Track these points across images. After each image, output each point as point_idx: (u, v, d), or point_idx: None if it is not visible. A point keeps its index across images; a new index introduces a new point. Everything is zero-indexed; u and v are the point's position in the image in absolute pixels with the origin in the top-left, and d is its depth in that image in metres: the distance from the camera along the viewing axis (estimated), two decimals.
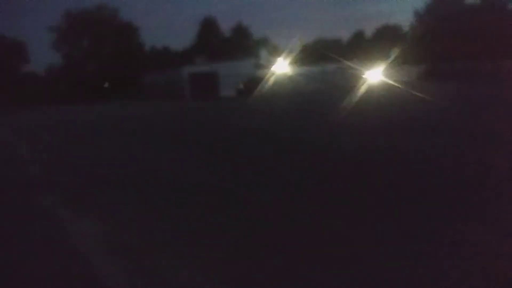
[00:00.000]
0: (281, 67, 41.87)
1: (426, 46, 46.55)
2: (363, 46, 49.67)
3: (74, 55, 57.88)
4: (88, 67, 56.15)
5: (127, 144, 11.03)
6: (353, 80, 38.74)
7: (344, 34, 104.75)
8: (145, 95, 46.55)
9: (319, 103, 21.34)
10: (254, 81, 37.61)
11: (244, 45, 53.28)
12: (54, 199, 5.46)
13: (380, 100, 19.57)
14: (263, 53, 47.97)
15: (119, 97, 45.25)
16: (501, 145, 6.96)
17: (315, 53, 49.24)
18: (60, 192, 5.95)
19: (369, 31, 62.49)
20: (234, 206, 4.60)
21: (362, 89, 28.49)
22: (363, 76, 40.53)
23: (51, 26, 57.39)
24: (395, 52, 42.78)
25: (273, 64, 42.24)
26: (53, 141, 13.29)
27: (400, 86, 30.42)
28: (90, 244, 3.72)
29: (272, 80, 38.58)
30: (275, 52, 47.95)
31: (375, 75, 41.86)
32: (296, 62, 43.26)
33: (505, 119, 10.06)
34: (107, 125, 17.96)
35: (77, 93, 48.50)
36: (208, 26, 58.89)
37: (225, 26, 70.15)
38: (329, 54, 47.83)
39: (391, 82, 36.52)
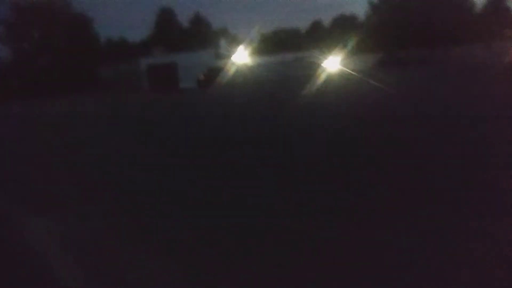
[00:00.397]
0: (241, 57, 41.86)
1: (381, 35, 47.96)
2: (321, 36, 50.44)
3: (24, 49, 55.02)
4: (39, 61, 53.58)
5: (74, 141, 10.77)
6: (312, 69, 39.41)
7: (302, 24, 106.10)
8: (101, 88, 45.14)
9: (278, 92, 21.47)
10: (214, 72, 37.37)
11: (203, 35, 52.62)
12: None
13: (337, 88, 20.14)
14: (223, 43, 47.65)
15: (74, 91, 43.57)
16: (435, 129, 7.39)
17: (274, 43, 49.63)
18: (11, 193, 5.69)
19: (326, 20, 63.57)
20: (189, 201, 4.44)
21: (320, 78, 29.11)
22: (321, 65, 41.30)
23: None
24: (351, 41, 43.90)
25: (233, 54, 42.14)
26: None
27: (356, 74, 31.31)
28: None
29: (232, 70, 38.52)
30: (235, 42, 47.82)
31: (332, 64, 42.78)
32: (255, 52, 43.40)
33: (443, 104, 10.64)
34: (60, 121, 17.38)
35: (29, 88, 46.22)
36: (166, 17, 57.66)
37: (183, 16, 69.13)
38: (288, 44, 48.46)
39: (348, 70, 37.50)
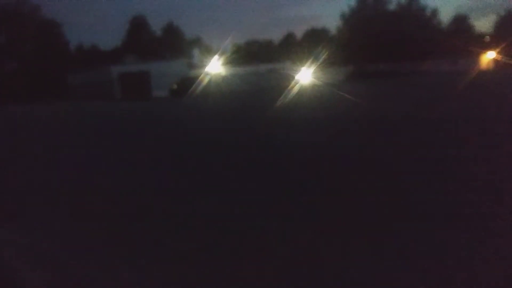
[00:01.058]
0: (214, 67, 42.02)
1: (351, 48, 49.39)
2: (293, 48, 51.33)
3: None
4: (6, 66, 51.88)
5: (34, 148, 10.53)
6: (284, 80, 40.03)
7: (275, 35, 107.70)
8: (71, 96, 44.12)
9: (250, 103, 21.80)
10: (188, 81, 37.32)
11: (176, 44, 52.54)
12: None
13: (308, 100, 20.70)
14: (196, 53, 47.75)
15: (42, 98, 42.35)
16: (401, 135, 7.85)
17: (247, 54, 50.09)
18: None
19: (299, 33, 64.91)
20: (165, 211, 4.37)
21: (292, 89, 29.64)
22: (293, 77, 42.03)
23: None
24: (323, 54, 44.93)
25: (206, 64, 42.25)
26: None
27: (327, 86, 32.11)
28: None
29: (205, 80, 38.58)
30: (208, 52, 47.97)
31: (305, 76, 43.62)
32: (229, 62, 43.66)
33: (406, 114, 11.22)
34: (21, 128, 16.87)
35: None
36: (138, 25, 57.27)
37: (156, 25, 68.82)
38: (261, 55, 49.15)
39: (319, 82, 38.35)
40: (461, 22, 59.26)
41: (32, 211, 4.68)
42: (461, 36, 53.52)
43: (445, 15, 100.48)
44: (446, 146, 6.62)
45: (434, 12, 58.15)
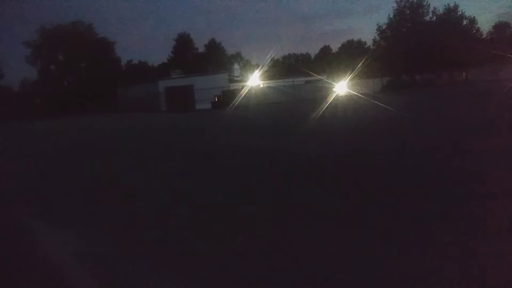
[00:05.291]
0: (254, 81, 44.11)
1: (388, 60, 49.86)
2: (330, 60, 52.60)
3: (49, 70, 58.29)
4: (63, 82, 56.69)
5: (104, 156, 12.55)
6: (321, 92, 41.39)
7: (312, 49, 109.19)
8: (121, 109, 47.61)
9: (288, 114, 22.90)
10: (228, 94, 39.48)
11: (217, 59, 55.31)
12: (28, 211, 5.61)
13: (344, 109, 21.68)
14: (236, 67, 50.07)
15: (95, 111, 46.14)
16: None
17: (285, 67, 51.94)
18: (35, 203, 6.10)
19: (335, 46, 66.13)
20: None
21: (329, 100, 30.86)
22: (330, 88, 43.25)
23: (26, 41, 57.72)
24: (360, 66, 45.85)
25: (246, 78, 44.44)
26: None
27: (363, 97, 33.05)
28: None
29: (245, 92, 40.67)
30: (248, 66, 50.33)
31: (341, 88, 44.69)
32: (267, 75, 45.63)
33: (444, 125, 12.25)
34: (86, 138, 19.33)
35: (53, 107, 49.05)
36: (183, 42, 60.84)
37: (200, 42, 72.51)
38: (298, 68, 50.73)
39: (356, 94, 39.28)
40: (501, 30, 58.12)
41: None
42: (502, 44, 52.55)
43: (485, 24, 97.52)
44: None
45: (473, 20, 57.34)
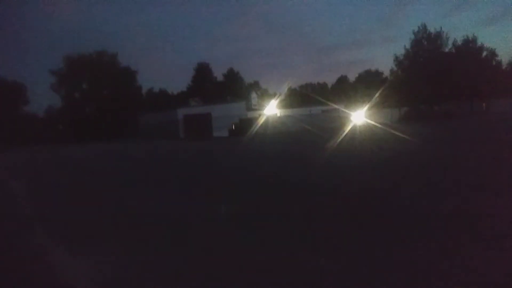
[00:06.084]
0: (271, 109, 44.59)
1: (405, 89, 49.78)
2: (346, 90, 52.87)
3: (73, 97, 60.24)
4: (86, 108, 58.45)
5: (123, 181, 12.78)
6: (338, 121, 41.41)
7: (329, 78, 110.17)
8: (142, 135, 48.58)
9: (305, 143, 22.86)
10: (245, 122, 39.94)
11: (235, 88, 56.35)
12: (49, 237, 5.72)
13: (362, 140, 21.07)
14: (254, 96, 50.91)
15: (116, 137, 47.18)
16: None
17: (302, 96, 52.43)
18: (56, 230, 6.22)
19: (352, 76, 66.65)
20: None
21: (346, 130, 30.78)
22: (347, 118, 43.24)
23: (52, 70, 60.01)
24: (377, 95, 45.91)
25: (263, 106, 44.98)
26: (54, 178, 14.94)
27: (380, 126, 32.86)
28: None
29: (262, 121, 41.07)
30: (265, 95, 51.08)
31: (358, 117, 44.63)
32: (284, 104, 46.10)
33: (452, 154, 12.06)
34: (106, 163, 19.72)
35: (75, 133, 50.45)
36: (202, 71, 62.44)
37: (219, 71, 74.29)
38: (315, 98, 51.18)
39: (373, 123, 39.12)
40: None
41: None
42: None
43: (505, 55, 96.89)
44: None
45: (493, 52, 57.14)
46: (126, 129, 50.76)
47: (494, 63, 58.04)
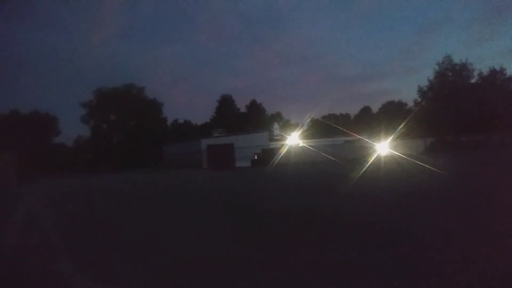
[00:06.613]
0: (293, 140, 44.69)
1: (431, 120, 49.12)
2: (369, 121, 52.57)
3: (101, 128, 62.38)
4: (114, 139, 60.30)
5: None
6: (361, 152, 40.97)
7: (352, 109, 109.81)
8: (166, 164, 49.37)
9: (328, 174, 22.37)
10: (268, 152, 40.07)
11: (258, 119, 57.09)
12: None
13: (387, 171, 20.16)
14: (276, 126, 51.29)
15: (141, 166, 48.15)
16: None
17: (325, 127, 52.42)
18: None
19: (375, 106, 66.41)
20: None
21: (369, 160, 30.40)
22: (371, 148, 42.77)
23: (83, 102, 62.75)
24: (401, 126, 45.42)
25: (286, 137, 45.17)
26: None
27: (405, 157, 32.29)
28: None
29: (284, 151, 41.13)
30: (287, 126, 51.40)
31: (382, 148, 44.09)
32: (307, 135, 46.13)
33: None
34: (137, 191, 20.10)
35: (103, 162, 51.86)
36: (226, 102, 63.81)
37: (241, 102, 75.69)
38: (338, 128, 51.16)
39: (397, 154, 38.53)
40: None
41: None
42: None
43: None
44: None
45: None
46: (151, 159, 51.79)
47: None
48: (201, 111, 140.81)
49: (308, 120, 50.79)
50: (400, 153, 38.62)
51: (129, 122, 61.70)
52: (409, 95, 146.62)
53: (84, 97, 74.51)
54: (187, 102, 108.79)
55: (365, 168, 21.24)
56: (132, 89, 64.58)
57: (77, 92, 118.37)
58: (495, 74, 56.72)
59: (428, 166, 19.22)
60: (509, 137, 48.56)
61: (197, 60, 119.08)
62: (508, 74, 56.37)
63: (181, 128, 61.98)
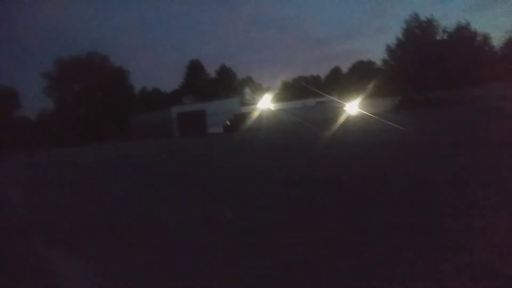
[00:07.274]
0: (265, 104, 44.46)
1: (398, 79, 49.76)
2: (340, 81, 52.78)
3: (65, 100, 59.85)
4: (79, 111, 58.08)
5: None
6: (332, 113, 41.30)
7: (322, 71, 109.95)
8: (136, 135, 48.34)
9: (299, 136, 22.61)
10: (240, 118, 39.82)
11: (229, 84, 56.16)
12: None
13: (356, 131, 20.87)
14: (247, 91, 50.74)
15: (110, 137, 46.89)
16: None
17: (295, 90, 52.26)
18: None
19: (345, 67, 66.55)
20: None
21: (340, 121, 30.75)
22: (341, 109, 43.15)
23: (44, 73, 59.61)
24: (370, 86, 45.86)
25: (257, 101, 44.84)
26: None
27: (374, 116, 32.81)
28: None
29: (256, 115, 40.95)
30: (259, 90, 50.90)
31: (352, 108, 44.57)
32: (278, 98, 45.94)
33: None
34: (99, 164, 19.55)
35: (69, 135, 50.11)
36: (195, 69, 62.16)
37: (211, 68, 73.97)
38: (309, 90, 51.18)
39: (366, 113, 39.11)
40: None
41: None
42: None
43: (497, 40, 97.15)
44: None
45: (485, 37, 57.13)
46: (120, 130, 50.46)
47: (487, 48, 58.09)
48: (170, 79, 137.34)
49: (279, 84, 50.53)
50: (369, 112, 39.19)
51: (94, 93, 59.35)
52: (379, 55, 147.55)
53: (45, 68, 70.96)
54: (154, 69, 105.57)
55: (333, 129, 21.49)
56: (96, 58, 61.70)
57: (37, 63, 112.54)
58: (461, 30, 57.43)
59: (390, 123, 19.61)
60: (472, 92, 50.04)
61: (164, 26, 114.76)
62: (473, 29, 57.15)
63: (150, 97, 60.27)
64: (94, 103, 56.81)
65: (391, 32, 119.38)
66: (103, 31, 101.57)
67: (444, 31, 57.26)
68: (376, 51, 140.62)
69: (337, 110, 42.78)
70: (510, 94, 44.35)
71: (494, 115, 21.73)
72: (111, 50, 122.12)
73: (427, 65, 52.56)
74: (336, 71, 62.80)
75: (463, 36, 57.81)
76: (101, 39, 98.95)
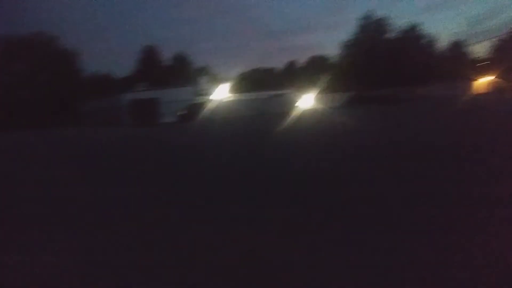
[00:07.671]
0: (220, 94, 44.03)
1: (352, 74, 51.25)
2: (296, 75, 53.36)
3: (6, 81, 55.82)
4: (22, 94, 54.41)
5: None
6: (285, 106, 41.76)
7: (279, 63, 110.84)
8: (82, 122, 46.16)
9: (253, 128, 22.69)
10: (194, 107, 39.15)
11: (184, 73, 54.88)
12: None
13: (308, 124, 21.40)
14: (203, 81, 49.85)
15: (55, 124, 44.45)
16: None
17: (251, 81, 52.20)
18: None
19: (301, 60, 67.36)
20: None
21: (293, 114, 31.19)
22: (296, 102, 43.76)
23: None
24: (324, 80, 46.80)
25: (213, 92, 44.28)
26: None
27: (327, 111, 33.59)
28: None
29: (211, 106, 40.47)
30: (215, 80, 50.20)
31: (306, 102, 45.30)
32: (234, 89, 45.65)
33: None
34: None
35: (10, 120, 46.85)
36: (149, 54, 60.05)
37: (166, 54, 71.94)
38: (265, 82, 51.35)
39: (320, 108, 39.96)
40: (458, 47, 61.26)
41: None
42: (459, 61, 55.23)
43: (444, 42, 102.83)
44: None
45: (433, 38, 60.25)
46: (65, 116, 47.90)
47: (433, 49, 61.31)
48: (122, 64, 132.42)
49: (236, 74, 50.17)
50: (321, 107, 40.04)
51: (39, 74, 55.76)
52: (334, 50, 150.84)
53: None
54: (107, 53, 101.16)
55: (285, 123, 21.77)
56: (43, 37, 57.87)
57: None
58: (412, 30, 60.14)
59: (337, 117, 20.27)
60: (419, 90, 52.62)
61: (119, 9, 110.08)
62: (421, 29, 60.04)
63: (100, 82, 57.53)
64: (38, 86, 53.48)
65: (347, 29, 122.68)
66: (53, 10, 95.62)
67: (396, 30, 59.74)
68: (330, 47, 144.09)
69: (290, 104, 43.30)
70: (452, 93, 47.14)
71: (427, 115, 22.95)
72: (61, 32, 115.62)
73: (379, 62, 54.54)
74: (292, 64, 63.41)
75: (414, 36, 60.60)
76: (50, 20, 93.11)
